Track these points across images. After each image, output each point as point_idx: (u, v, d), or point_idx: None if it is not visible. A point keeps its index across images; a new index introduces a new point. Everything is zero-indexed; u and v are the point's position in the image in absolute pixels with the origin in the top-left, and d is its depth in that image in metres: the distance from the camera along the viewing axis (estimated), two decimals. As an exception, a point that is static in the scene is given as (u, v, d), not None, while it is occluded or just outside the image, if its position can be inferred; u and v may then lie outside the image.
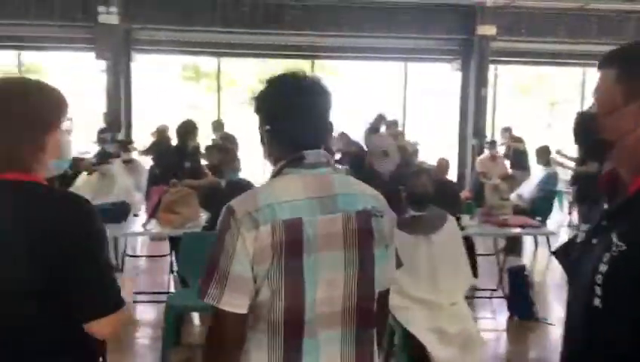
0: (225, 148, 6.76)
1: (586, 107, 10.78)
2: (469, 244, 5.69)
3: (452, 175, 10.34)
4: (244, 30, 9.85)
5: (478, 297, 5.50)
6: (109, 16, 9.07)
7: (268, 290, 1.36)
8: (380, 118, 9.69)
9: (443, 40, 10.57)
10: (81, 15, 9.21)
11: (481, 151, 9.77)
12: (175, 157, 5.57)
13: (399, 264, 1.60)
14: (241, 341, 1.41)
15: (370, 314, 1.47)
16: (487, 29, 9.82)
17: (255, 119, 1.51)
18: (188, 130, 5.56)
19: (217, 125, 8.99)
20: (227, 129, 8.98)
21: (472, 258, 5.79)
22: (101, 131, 9.03)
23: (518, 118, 13.55)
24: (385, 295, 1.57)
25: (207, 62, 13.42)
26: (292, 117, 1.44)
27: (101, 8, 8.96)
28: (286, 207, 1.38)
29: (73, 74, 15.04)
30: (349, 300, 1.43)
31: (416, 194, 3.93)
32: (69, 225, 1.34)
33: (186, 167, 5.36)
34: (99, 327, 1.38)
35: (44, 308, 1.35)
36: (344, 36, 10.23)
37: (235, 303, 1.36)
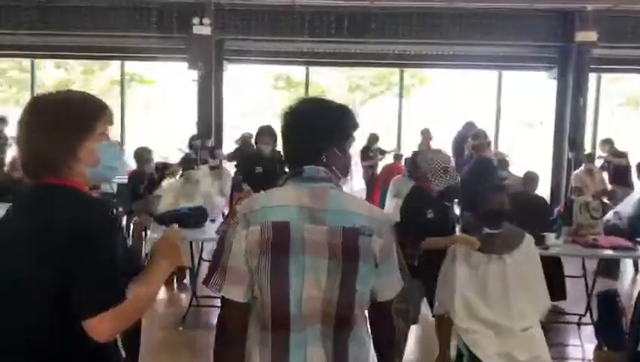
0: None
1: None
2: (557, 265, 5.36)
3: (545, 189, 9.82)
4: (330, 39, 9.89)
5: (564, 322, 5.14)
6: (202, 27, 9.42)
7: (257, 286, 1.53)
8: (470, 126, 9.37)
9: (539, 47, 10.07)
10: (177, 27, 9.65)
11: (577, 165, 9.17)
12: (250, 163, 5.65)
13: (404, 279, 1.73)
14: (242, 328, 1.58)
15: (347, 319, 1.59)
16: (587, 35, 9.21)
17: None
18: (261, 134, 5.60)
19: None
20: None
21: (560, 279, 5.43)
22: (192, 138, 9.41)
23: (624, 131, 12.65)
24: (386, 305, 1.68)
25: (297, 72, 13.66)
26: (287, 140, 1.69)
27: (195, 20, 9.34)
28: (277, 210, 1.56)
29: (170, 82, 15.87)
30: (330, 305, 1.55)
31: (491, 212, 3.72)
32: (77, 226, 1.36)
33: (257, 172, 5.40)
34: (94, 324, 1.36)
35: (58, 309, 1.37)
36: (433, 44, 10.00)
37: (233, 292, 1.54)
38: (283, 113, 1.69)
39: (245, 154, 7.59)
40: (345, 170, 1.72)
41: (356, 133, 1.74)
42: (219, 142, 10.02)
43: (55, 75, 17.61)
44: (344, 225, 1.55)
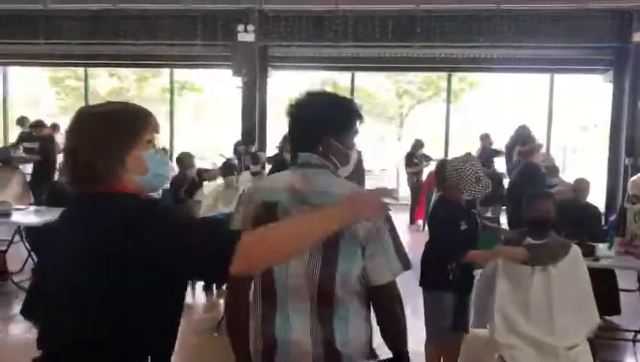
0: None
1: None
2: (609, 277, 5.06)
3: (600, 197, 9.37)
4: (375, 44, 9.78)
5: (618, 339, 4.84)
6: (247, 34, 9.49)
7: None
8: (522, 130, 9.04)
9: (593, 49, 9.64)
10: (221, 34, 9.75)
11: (635, 171, 8.71)
12: (280, 169, 5.60)
13: (406, 265, 1.73)
14: (244, 295, 1.78)
15: (329, 297, 1.67)
16: (646, 35, 8.78)
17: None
18: (286, 142, 5.56)
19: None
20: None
21: (613, 292, 5.13)
22: (237, 144, 9.48)
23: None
24: (380, 290, 1.71)
25: (343, 78, 13.59)
26: (290, 131, 1.85)
27: (239, 27, 9.42)
28: (271, 192, 1.75)
29: (218, 90, 16.09)
30: (312, 282, 1.66)
31: (535, 220, 3.53)
32: (153, 221, 1.37)
33: None
34: (236, 264, 1.33)
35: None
36: (480, 47, 9.73)
37: None
38: (287, 106, 1.82)
39: (279, 159, 7.58)
40: (344, 160, 1.80)
41: (359, 126, 1.83)
42: (262, 148, 10.04)
43: (109, 83, 18.20)
44: (327, 205, 1.59)
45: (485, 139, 9.84)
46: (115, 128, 1.44)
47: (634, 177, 8.42)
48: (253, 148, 9.50)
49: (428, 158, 11.36)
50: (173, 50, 10.42)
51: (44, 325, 1.46)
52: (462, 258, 3.23)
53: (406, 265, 1.73)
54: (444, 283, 3.24)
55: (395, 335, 1.75)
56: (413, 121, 18.80)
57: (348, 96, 1.90)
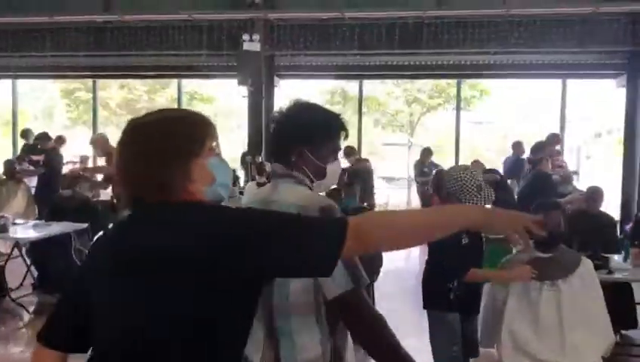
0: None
1: None
2: (625, 290, 4.85)
3: (615, 206, 9.11)
4: (382, 51, 9.65)
5: (635, 355, 4.63)
6: (252, 43, 9.40)
7: None
8: (553, 138, 8.77)
9: (605, 53, 9.42)
10: (227, 44, 9.68)
11: (651, 179, 8.48)
12: None
13: (357, 281, 1.61)
14: None
15: (270, 311, 1.67)
16: (660, 39, 8.55)
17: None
18: None
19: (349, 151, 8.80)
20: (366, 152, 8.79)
21: (629, 305, 4.92)
22: (244, 154, 9.39)
23: None
24: (332, 304, 1.62)
25: (353, 86, 13.48)
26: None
27: (245, 36, 9.33)
28: (250, 203, 1.83)
29: (227, 100, 16.07)
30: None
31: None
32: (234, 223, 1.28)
33: None
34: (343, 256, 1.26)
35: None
36: (489, 53, 9.56)
37: None
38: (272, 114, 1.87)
39: None
40: (319, 174, 1.76)
41: (342, 140, 1.81)
42: (268, 159, 9.94)
43: (119, 94, 18.27)
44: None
45: (517, 147, 9.40)
46: (179, 136, 1.34)
47: (650, 184, 8.20)
48: (260, 159, 9.39)
49: (437, 166, 11.19)
50: (178, 61, 10.37)
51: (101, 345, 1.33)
52: (463, 276, 3.04)
53: (356, 280, 1.60)
54: (447, 302, 3.05)
55: (369, 350, 1.63)
56: (424, 128, 18.64)
57: (334, 110, 1.84)
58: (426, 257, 3.25)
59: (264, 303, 1.63)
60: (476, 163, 8.74)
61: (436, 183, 3.28)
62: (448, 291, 3.03)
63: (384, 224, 1.29)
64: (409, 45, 9.51)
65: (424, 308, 3.21)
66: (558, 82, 11.05)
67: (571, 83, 11.13)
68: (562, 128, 11.42)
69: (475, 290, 3.24)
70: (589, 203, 5.72)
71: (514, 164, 8.80)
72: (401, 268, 7.34)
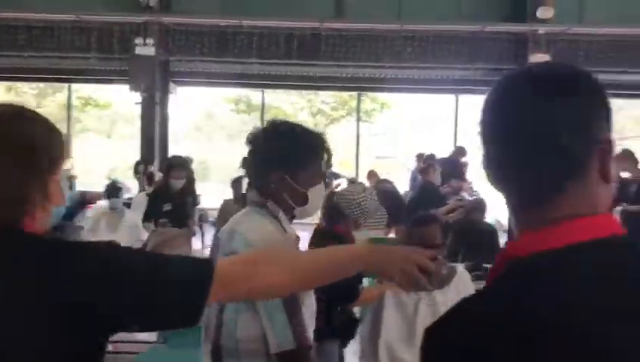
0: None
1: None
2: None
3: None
4: (280, 61, 9.60)
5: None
6: (146, 48, 9.03)
7: None
8: (459, 150, 9.15)
9: (493, 70, 9.90)
10: (118, 47, 9.25)
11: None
12: (158, 201, 5.12)
13: (299, 339, 1.55)
14: None
15: (217, 348, 1.63)
16: (541, 58, 9.08)
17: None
18: (173, 167, 5.11)
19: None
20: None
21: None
22: (137, 163, 8.96)
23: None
24: (282, 358, 1.55)
25: (258, 95, 13.34)
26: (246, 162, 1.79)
27: (138, 40, 8.95)
28: (221, 230, 1.76)
29: (125, 106, 15.39)
30: (209, 326, 1.67)
31: (420, 246, 3.35)
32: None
33: (165, 210, 4.90)
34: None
35: None
36: (385, 67, 9.77)
37: None
38: (246, 136, 1.72)
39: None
40: (301, 200, 1.66)
41: (325, 163, 1.72)
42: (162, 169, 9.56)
43: (5, 98, 17.00)
44: (233, 247, 1.60)
45: (421, 158, 9.56)
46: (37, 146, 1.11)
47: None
48: (152, 169, 9.00)
49: (337, 176, 11.27)
50: (68, 64, 9.76)
51: None
52: (355, 299, 2.93)
53: (299, 338, 1.54)
54: (328, 330, 2.92)
55: None
56: (328, 140, 18.82)
57: (315, 129, 1.77)
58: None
59: (210, 342, 1.61)
60: (372, 173, 8.87)
61: (330, 207, 3.07)
62: (330, 317, 2.88)
63: (251, 275, 1.15)
64: (308, 56, 9.53)
65: None
66: (452, 97, 11.52)
67: (464, 97, 11.64)
68: (455, 141, 11.90)
69: (352, 315, 3.15)
70: (474, 213, 5.90)
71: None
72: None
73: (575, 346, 0.71)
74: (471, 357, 0.75)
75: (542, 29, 8.90)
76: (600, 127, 0.82)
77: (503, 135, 0.83)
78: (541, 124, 0.81)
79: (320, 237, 3.25)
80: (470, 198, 7.60)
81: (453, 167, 9.40)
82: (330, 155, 1.73)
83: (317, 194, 1.70)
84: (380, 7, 9.45)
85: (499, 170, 0.85)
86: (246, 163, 1.74)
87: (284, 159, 1.64)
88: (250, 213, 1.67)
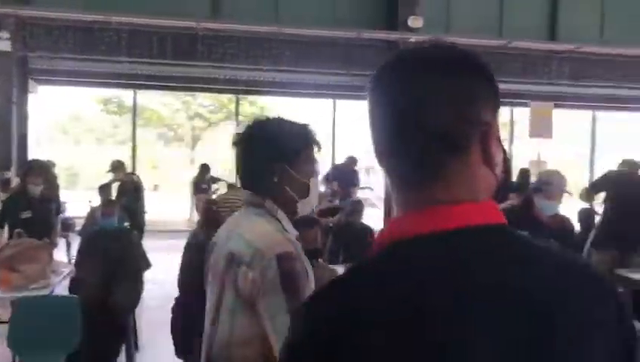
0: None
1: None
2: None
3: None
4: (153, 61, 9.15)
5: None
6: (0, 42, 8.21)
7: None
8: (350, 161, 9.48)
9: (368, 76, 10.11)
10: (-33, 41, 8.32)
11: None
12: (15, 207, 4.68)
13: None
14: None
15: (221, 355, 1.55)
16: (412, 66, 9.46)
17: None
18: (31, 172, 4.71)
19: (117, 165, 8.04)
20: (145, 165, 8.15)
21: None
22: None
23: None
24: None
25: (129, 96, 12.64)
26: (236, 162, 1.70)
27: (-9, 33, 8.11)
28: (218, 234, 1.69)
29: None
30: (209, 336, 1.60)
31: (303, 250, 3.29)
32: None
33: (23, 217, 4.47)
34: None
35: None
36: (263, 70, 9.67)
37: None
38: (233, 138, 1.68)
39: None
40: (303, 192, 1.62)
41: (316, 152, 1.68)
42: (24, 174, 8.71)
43: None
44: (231, 248, 1.55)
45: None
46: None
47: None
48: (9, 174, 8.19)
49: (216, 180, 11.00)
50: None
51: None
52: None
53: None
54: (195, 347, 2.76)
55: None
56: (207, 143, 18.39)
57: (300, 121, 1.70)
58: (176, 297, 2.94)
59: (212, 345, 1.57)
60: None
61: (209, 214, 2.89)
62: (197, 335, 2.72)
63: None
64: (183, 56, 9.18)
65: (177, 355, 2.89)
66: (330, 101, 11.68)
67: (341, 103, 11.86)
68: (333, 147, 12.09)
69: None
70: (352, 215, 5.96)
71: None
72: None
73: (416, 337, 0.70)
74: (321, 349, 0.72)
75: (413, 38, 9.27)
76: (483, 108, 0.80)
77: (386, 113, 0.82)
78: (422, 102, 0.79)
79: (196, 250, 3.07)
80: (342, 201, 7.77)
81: (342, 174, 9.85)
82: (319, 146, 1.70)
83: (315, 186, 1.69)
84: (258, 9, 9.34)
85: (383, 147, 0.83)
86: (237, 165, 1.66)
87: (283, 151, 1.60)
88: (247, 214, 1.62)
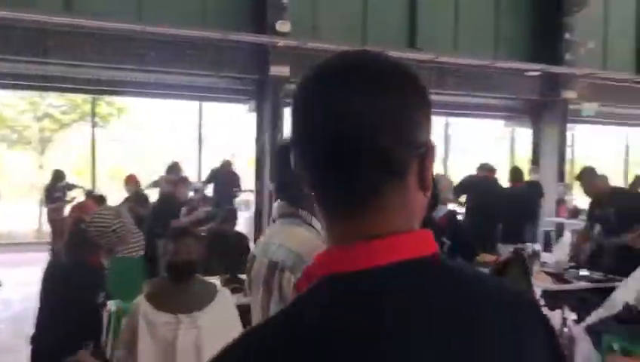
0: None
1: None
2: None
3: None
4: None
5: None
6: None
7: None
8: (227, 163, 9.35)
9: (236, 79, 10.00)
10: None
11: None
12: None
13: None
14: None
15: None
16: (281, 69, 9.46)
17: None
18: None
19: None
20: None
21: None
22: None
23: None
24: None
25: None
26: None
27: None
28: (257, 245, 1.87)
29: None
30: None
31: (178, 263, 3.10)
32: None
33: None
34: None
35: None
36: (126, 70, 9.11)
37: None
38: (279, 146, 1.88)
39: None
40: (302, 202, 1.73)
41: None
42: None
43: None
44: (272, 258, 1.65)
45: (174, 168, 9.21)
46: None
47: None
48: None
49: (72, 187, 10.24)
50: None
51: None
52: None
53: None
54: None
55: None
56: (58, 147, 17.06)
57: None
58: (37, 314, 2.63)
59: None
60: (131, 178, 8.37)
61: (77, 235, 2.61)
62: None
63: None
64: (32, 53, 8.36)
65: None
66: (196, 104, 11.36)
67: (209, 105, 11.59)
68: (200, 149, 11.79)
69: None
70: (225, 223, 5.83)
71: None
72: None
73: None
74: None
75: (281, 42, 9.26)
76: (421, 128, 0.74)
77: (313, 133, 0.74)
78: (355, 122, 0.71)
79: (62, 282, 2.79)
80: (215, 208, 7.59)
81: (221, 178, 9.76)
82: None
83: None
84: (117, 5, 8.78)
85: (310, 172, 0.76)
86: (274, 178, 1.77)
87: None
88: (284, 225, 1.74)
